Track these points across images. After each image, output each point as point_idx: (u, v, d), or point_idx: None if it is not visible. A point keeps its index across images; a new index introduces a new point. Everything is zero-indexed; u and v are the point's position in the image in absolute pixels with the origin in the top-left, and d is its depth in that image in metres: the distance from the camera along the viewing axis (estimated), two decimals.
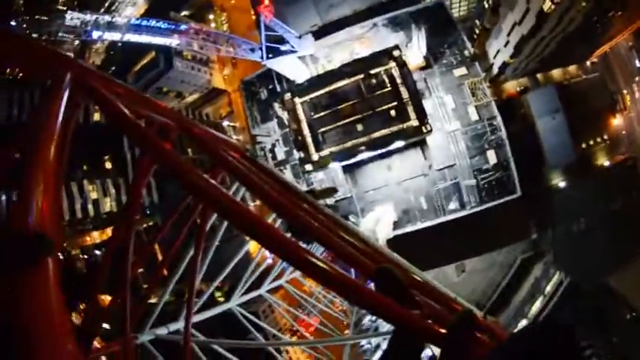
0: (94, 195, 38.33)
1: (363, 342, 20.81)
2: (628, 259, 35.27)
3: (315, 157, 22.49)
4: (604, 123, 37.88)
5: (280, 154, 25.85)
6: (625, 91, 40.58)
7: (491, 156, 25.29)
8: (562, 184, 32.92)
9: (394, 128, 22.46)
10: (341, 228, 3.02)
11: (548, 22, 24.88)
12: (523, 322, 35.46)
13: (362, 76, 23.18)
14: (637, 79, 40.65)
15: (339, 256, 2.27)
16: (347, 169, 24.38)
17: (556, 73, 35.95)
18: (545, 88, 33.01)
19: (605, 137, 37.55)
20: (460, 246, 25.84)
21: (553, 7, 23.73)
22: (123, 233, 2.96)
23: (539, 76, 33.77)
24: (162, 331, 6.73)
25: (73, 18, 24.68)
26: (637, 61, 40.21)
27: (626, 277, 35.13)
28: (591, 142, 36.76)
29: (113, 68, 42.31)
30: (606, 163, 36.82)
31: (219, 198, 1.77)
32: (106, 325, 4.58)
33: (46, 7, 55.45)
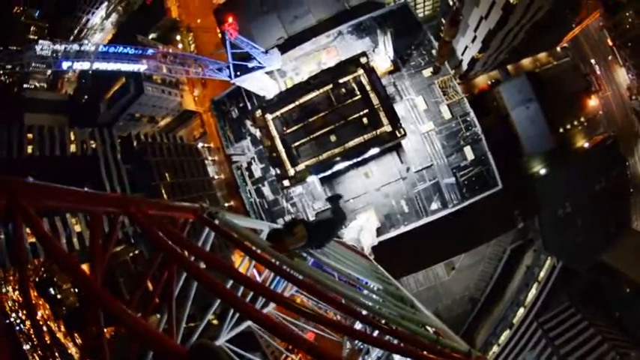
0: (77, 228, 37.70)
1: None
2: (618, 234, 35.64)
3: (291, 172, 22.25)
4: (580, 106, 38.20)
5: (257, 172, 25.55)
6: (599, 72, 40.90)
7: (468, 152, 25.29)
8: (543, 171, 33.11)
9: (368, 136, 22.30)
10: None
11: (515, 12, 24.53)
12: (520, 311, 35.52)
13: (331, 86, 23.00)
14: (610, 57, 41.06)
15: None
16: (325, 181, 24.19)
17: (526, 62, 36.25)
18: (517, 79, 33.20)
19: (582, 119, 37.92)
20: (447, 244, 25.84)
21: None
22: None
23: (509, 67, 34.02)
24: None
25: (43, 48, 24.39)
26: (609, 40, 40.62)
27: (619, 252, 35.33)
28: (568, 127, 37.09)
29: (85, 97, 41.69)
30: (586, 145, 37.17)
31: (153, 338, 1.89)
32: None
33: (17, 37, 54.94)
